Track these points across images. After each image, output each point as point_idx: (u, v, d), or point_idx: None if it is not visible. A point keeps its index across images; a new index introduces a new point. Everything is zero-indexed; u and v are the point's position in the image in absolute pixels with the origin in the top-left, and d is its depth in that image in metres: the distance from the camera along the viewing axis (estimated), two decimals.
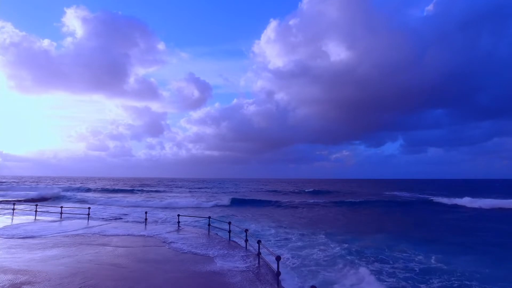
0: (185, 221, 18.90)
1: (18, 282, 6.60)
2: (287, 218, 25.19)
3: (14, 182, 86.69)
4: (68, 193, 48.01)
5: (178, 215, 15.27)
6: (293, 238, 16.01)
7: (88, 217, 17.34)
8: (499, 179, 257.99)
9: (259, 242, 8.47)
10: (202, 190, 69.53)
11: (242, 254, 9.67)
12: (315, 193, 59.69)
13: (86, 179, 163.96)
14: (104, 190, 61.29)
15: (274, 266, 7.15)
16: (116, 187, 69.91)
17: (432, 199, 42.66)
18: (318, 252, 13.12)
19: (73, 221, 16.99)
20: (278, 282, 6.83)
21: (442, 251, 13.73)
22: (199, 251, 9.93)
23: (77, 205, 32.13)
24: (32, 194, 42.34)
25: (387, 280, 10.11)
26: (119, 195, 51.24)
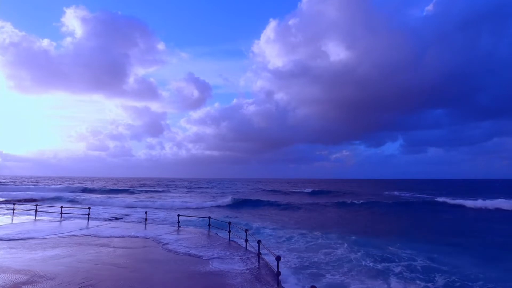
0: (185, 221, 18.91)
1: (19, 282, 6.62)
2: (288, 218, 25.20)
3: (14, 182, 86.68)
4: (68, 193, 48.03)
5: (178, 215, 15.28)
6: (294, 239, 16.02)
7: (88, 217, 17.34)
8: (499, 179, 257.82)
9: (259, 242, 8.48)
10: (202, 190, 69.52)
11: (242, 254, 9.68)
12: (315, 193, 59.67)
13: (86, 179, 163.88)
14: (104, 190, 61.30)
15: (274, 266, 7.16)
16: (116, 187, 69.90)
17: (436, 199, 42.54)
18: (321, 255, 12.93)
19: (73, 221, 17.00)
20: (278, 282, 6.84)
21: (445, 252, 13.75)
22: (199, 252, 9.94)
23: (77, 205, 32.14)
24: (32, 194, 42.36)
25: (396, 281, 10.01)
26: (119, 195, 51.24)
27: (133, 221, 20.28)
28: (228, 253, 9.79)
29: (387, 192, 63.98)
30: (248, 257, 9.31)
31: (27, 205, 24.12)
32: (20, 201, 33.50)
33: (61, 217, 18.20)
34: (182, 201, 38.36)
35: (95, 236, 12.30)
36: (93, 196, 45.33)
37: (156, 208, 31.83)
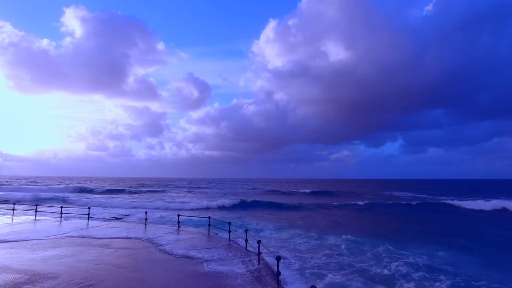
0: (185, 221, 18.91)
1: (20, 282, 6.62)
2: (288, 219, 25.19)
3: (14, 182, 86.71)
4: (68, 194, 48.01)
5: (178, 215, 15.28)
6: (294, 239, 16.02)
7: (88, 217, 17.34)
8: (499, 179, 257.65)
9: (259, 242, 8.47)
10: (202, 190, 69.54)
11: (243, 255, 9.67)
12: (315, 193, 59.69)
13: (86, 179, 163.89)
14: (104, 190, 61.29)
15: (275, 266, 7.16)
16: (116, 187, 69.91)
17: (437, 200, 42.59)
18: (322, 256, 12.91)
19: (73, 221, 16.99)
20: (278, 283, 6.84)
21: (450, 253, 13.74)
22: (199, 252, 9.93)
23: (77, 205, 32.14)
24: (32, 194, 42.34)
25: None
26: (119, 195, 51.25)
27: (133, 221, 20.28)
28: (228, 254, 9.78)
29: (387, 193, 63.98)
30: (248, 258, 9.31)
31: (27, 205, 24.11)
32: (20, 201, 33.48)
33: (61, 217, 18.19)
34: (182, 201, 38.37)
35: (95, 237, 12.29)
36: (93, 196, 45.35)
37: (156, 208, 31.83)
